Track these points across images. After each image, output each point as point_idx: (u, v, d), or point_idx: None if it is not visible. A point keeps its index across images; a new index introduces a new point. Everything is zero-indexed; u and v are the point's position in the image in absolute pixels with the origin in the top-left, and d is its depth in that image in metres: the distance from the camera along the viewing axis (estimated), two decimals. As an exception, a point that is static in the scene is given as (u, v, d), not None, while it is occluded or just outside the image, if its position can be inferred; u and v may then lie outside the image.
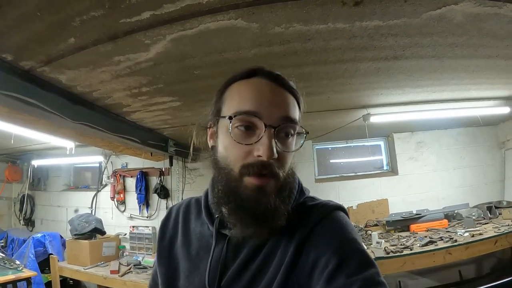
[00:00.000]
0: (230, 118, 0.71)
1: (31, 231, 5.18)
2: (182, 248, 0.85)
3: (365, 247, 0.72)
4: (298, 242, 0.70)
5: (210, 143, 0.81)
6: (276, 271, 0.69)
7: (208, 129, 0.82)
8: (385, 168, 4.72)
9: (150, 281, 0.98)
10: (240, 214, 0.71)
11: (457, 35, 1.81)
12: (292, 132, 0.73)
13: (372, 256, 0.66)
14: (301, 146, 0.76)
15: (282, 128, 0.71)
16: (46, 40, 1.55)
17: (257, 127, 0.70)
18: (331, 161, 4.85)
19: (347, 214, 0.78)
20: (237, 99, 0.73)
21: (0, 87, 1.71)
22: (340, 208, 0.78)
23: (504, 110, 3.35)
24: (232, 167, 0.71)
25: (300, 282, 0.67)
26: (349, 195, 4.35)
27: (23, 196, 5.33)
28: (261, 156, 0.68)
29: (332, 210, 0.76)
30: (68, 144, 3.33)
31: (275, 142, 0.69)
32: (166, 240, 0.91)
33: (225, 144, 0.73)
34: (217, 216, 0.80)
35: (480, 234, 3.16)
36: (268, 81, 0.74)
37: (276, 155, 0.68)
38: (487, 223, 3.54)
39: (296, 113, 0.75)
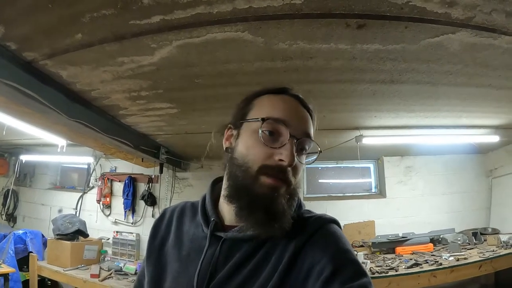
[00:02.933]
0: (263, 120, 0.76)
1: (13, 227, 5.03)
2: (173, 248, 0.86)
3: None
4: (293, 250, 0.72)
5: (225, 144, 0.85)
6: (269, 277, 0.70)
7: (225, 132, 0.86)
8: (373, 190, 4.75)
9: (136, 282, 0.97)
10: (253, 210, 0.73)
11: (452, 63, 1.88)
12: (307, 148, 0.80)
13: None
14: (313, 161, 0.84)
15: (302, 141, 0.77)
16: (53, 33, 1.55)
17: (281, 135, 0.75)
18: (319, 180, 4.87)
19: (340, 228, 0.82)
20: (268, 107, 0.79)
21: (0, 74, 1.69)
22: (334, 221, 0.82)
23: (494, 138, 3.43)
24: (250, 165, 0.75)
25: None
26: (336, 215, 4.19)
27: (8, 190, 5.21)
28: (282, 161, 0.73)
29: (327, 223, 0.79)
30: (60, 141, 3.30)
31: (295, 151, 0.74)
32: (157, 240, 0.91)
33: (248, 144, 0.77)
34: (213, 220, 0.82)
35: (465, 258, 3.19)
36: (295, 100, 0.82)
37: (294, 163, 0.74)
38: (472, 249, 3.57)
39: (312, 133, 0.82)
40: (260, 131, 0.75)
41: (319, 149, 0.82)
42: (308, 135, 0.79)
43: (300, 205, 0.85)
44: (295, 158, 0.73)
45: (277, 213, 0.72)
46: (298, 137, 0.75)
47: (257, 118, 0.77)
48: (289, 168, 0.73)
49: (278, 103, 0.80)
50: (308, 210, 0.86)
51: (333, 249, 0.71)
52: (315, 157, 0.84)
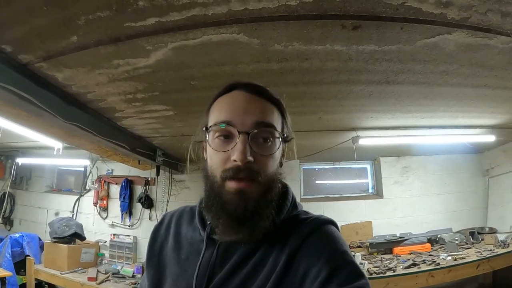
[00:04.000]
0: (207, 129, 0.78)
1: (9, 230, 5.02)
2: (173, 252, 0.86)
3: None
4: (289, 252, 0.72)
5: (205, 155, 0.85)
6: (266, 279, 0.70)
7: (203, 143, 0.86)
8: (370, 191, 4.77)
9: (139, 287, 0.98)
10: (222, 217, 0.74)
11: (448, 63, 1.89)
12: (270, 136, 0.76)
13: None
14: (278, 148, 0.78)
15: (257, 133, 0.74)
16: (49, 35, 1.54)
17: (233, 135, 0.74)
18: (317, 181, 4.89)
19: (338, 229, 0.80)
20: (216, 112, 0.79)
21: (-4, 77, 1.67)
22: (332, 222, 0.80)
23: (490, 138, 3.45)
24: (215, 173, 0.75)
25: None
26: (333, 216, 4.16)
27: (4, 193, 5.18)
28: (236, 161, 0.71)
29: (323, 224, 0.78)
30: (57, 144, 3.28)
31: (249, 146, 0.72)
32: (157, 245, 0.91)
33: (210, 153, 0.78)
34: (210, 222, 0.81)
35: (463, 258, 3.21)
36: (244, 92, 0.79)
37: (250, 159, 0.72)
38: (470, 248, 3.60)
39: (273, 118, 0.78)
40: (209, 140, 0.77)
41: (277, 133, 0.77)
42: (261, 124, 0.75)
43: (295, 205, 0.84)
44: (248, 153, 0.71)
45: (245, 216, 0.72)
46: (248, 131, 0.73)
47: (205, 128, 0.79)
48: (249, 164, 0.72)
49: (224, 104, 0.79)
50: (305, 211, 0.85)
51: (329, 250, 0.70)
52: (279, 145, 0.78)
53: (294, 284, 0.69)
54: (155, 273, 0.86)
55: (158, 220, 0.99)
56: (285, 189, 0.83)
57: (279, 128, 0.79)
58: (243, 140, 0.72)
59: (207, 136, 0.78)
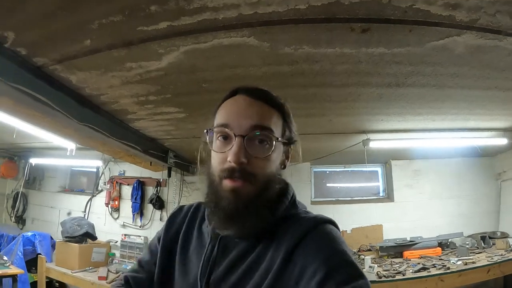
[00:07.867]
0: (207, 131, 0.83)
1: (22, 229, 5.10)
2: (184, 242, 0.91)
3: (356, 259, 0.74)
4: (286, 250, 0.73)
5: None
6: (263, 277, 0.72)
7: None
8: (381, 194, 4.72)
9: (146, 254, 0.98)
10: (217, 212, 0.79)
11: (458, 65, 1.88)
12: (267, 139, 0.79)
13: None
14: (272, 151, 0.79)
15: (253, 136, 0.77)
16: (62, 39, 1.58)
17: (231, 137, 0.78)
18: (327, 184, 4.87)
19: (337, 228, 0.80)
20: (218, 115, 0.84)
21: (10, 79, 1.69)
22: (330, 221, 0.80)
23: (502, 141, 3.40)
24: (214, 172, 0.80)
25: None
26: (343, 219, 4.30)
27: (17, 193, 5.28)
28: (231, 162, 0.75)
29: (322, 223, 0.78)
30: (70, 145, 3.34)
31: (245, 148, 0.76)
32: (171, 231, 0.95)
33: (212, 154, 0.83)
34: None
35: (473, 262, 3.17)
36: (245, 96, 0.82)
37: (244, 161, 0.75)
38: (481, 253, 3.55)
39: (270, 122, 0.80)
40: (207, 140, 0.83)
41: (274, 136, 0.79)
42: (257, 127, 0.77)
43: (294, 204, 0.85)
44: (241, 155, 0.75)
45: (238, 213, 0.75)
46: (243, 134, 0.76)
47: (206, 131, 0.83)
48: (243, 166, 0.75)
49: (224, 108, 0.84)
50: (305, 211, 0.86)
51: (327, 250, 0.70)
52: (273, 147, 0.79)
53: (290, 282, 0.70)
54: (165, 258, 0.91)
55: (176, 208, 1.03)
56: (285, 188, 0.86)
57: (278, 131, 0.81)
58: (238, 143, 0.76)
59: (207, 137, 0.83)
